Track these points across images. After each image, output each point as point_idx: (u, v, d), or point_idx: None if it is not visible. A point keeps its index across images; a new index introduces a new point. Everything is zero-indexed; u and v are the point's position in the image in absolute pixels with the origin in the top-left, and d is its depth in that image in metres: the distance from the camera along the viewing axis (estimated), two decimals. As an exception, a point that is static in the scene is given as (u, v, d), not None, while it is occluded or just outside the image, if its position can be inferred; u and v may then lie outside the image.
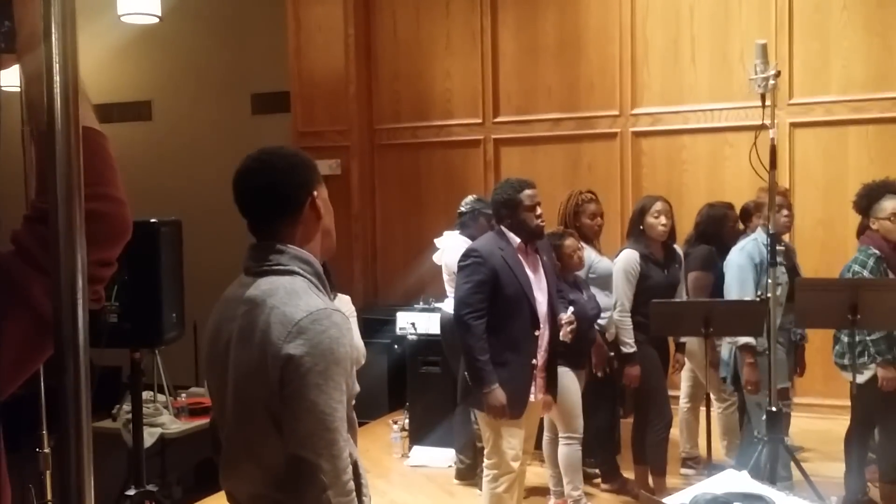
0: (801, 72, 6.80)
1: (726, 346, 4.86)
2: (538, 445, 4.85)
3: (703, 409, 5.38)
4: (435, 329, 6.03)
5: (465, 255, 4.00)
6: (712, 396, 5.30)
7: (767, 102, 4.15)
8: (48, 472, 3.71)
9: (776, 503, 2.49)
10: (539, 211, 3.97)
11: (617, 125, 7.37)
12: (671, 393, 6.26)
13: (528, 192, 3.96)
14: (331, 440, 1.83)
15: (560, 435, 4.67)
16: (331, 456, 1.83)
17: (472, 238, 5.08)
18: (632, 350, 4.75)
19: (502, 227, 4.01)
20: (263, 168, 1.99)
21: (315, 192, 2.01)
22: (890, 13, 6.58)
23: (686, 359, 5.37)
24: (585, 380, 4.77)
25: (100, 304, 1.27)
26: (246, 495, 2.00)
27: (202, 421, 5.51)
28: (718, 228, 5.30)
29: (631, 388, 4.89)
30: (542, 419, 4.58)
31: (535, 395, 4.00)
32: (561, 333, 4.16)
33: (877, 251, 4.44)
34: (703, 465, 5.16)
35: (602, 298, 4.82)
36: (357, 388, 2.01)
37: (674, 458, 5.37)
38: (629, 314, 4.76)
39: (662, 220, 4.82)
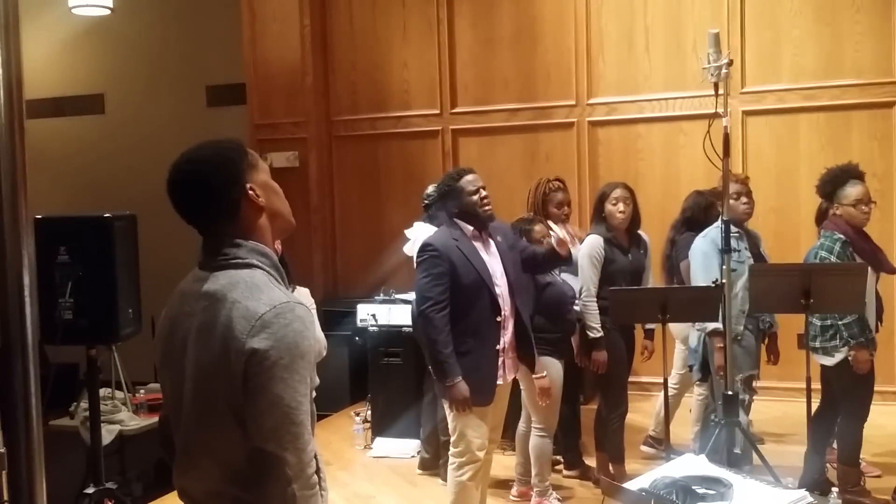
0: (752, 60, 6.90)
1: (694, 334, 4.89)
2: (506, 435, 4.86)
3: (688, 396, 5.46)
4: (396, 320, 6.04)
5: (421, 250, 4.00)
6: (694, 382, 5.36)
7: (720, 91, 4.21)
8: (3, 473, 3.65)
9: (734, 485, 2.54)
10: (484, 194, 3.97)
11: (573, 115, 7.41)
12: (642, 379, 6.35)
13: (467, 177, 3.97)
14: (296, 433, 1.82)
15: (534, 426, 4.69)
16: (296, 449, 1.82)
17: (442, 227, 5.09)
18: (598, 335, 4.78)
19: (454, 219, 4.02)
20: (188, 179, 1.95)
21: (248, 185, 1.97)
22: (839, 2, 6.69)
23: (679, 343, 5.40)
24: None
25: None
26: (202, 492, 1.97)
27: (161, 417, 5.45)
28: (704, 216, 5.24)
29: (597, 373, 4.88)
30: (514, 409, 4.58)
31: (504, 378, 4.02)
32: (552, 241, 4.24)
33: (842, 236, 4.48)
34: (664, 447, 5.22)
35: (575, 284, 4.87)
36: (317, 380, 2.01)
37: (634, 443, 5.43)
38: (595, 299, 4.79)
39: (620, 206, 4.85)
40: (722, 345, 4.55)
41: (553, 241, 4.33)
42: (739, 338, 4.60)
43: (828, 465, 4.79)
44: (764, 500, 2.50)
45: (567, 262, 4.49)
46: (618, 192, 4.88)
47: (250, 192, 1.97)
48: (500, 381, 3.98)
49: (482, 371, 3.89)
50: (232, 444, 1.86)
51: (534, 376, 4.24)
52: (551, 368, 4.45)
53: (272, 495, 1.82)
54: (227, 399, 1.85)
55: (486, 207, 3.96)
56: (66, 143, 9.16)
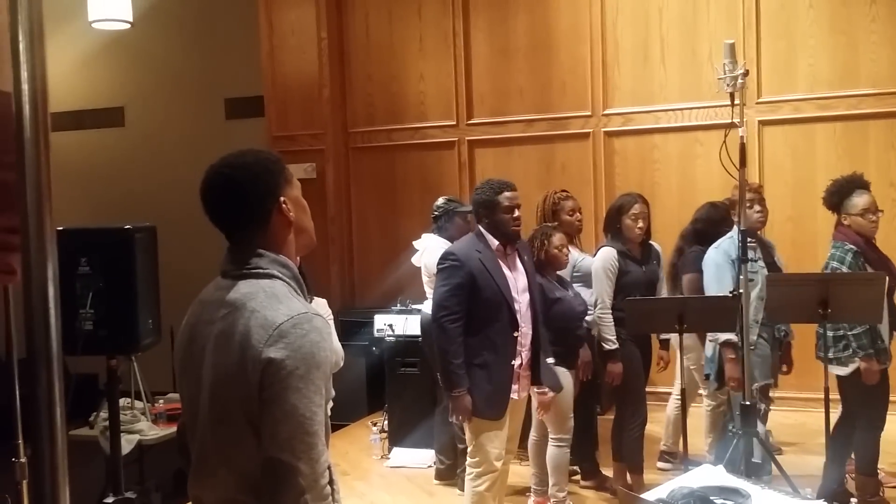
0: (768, 70, 6.88)
1: (710, 344, 4.87)
2: (522, 445, 4.87)
3: (694, 406, 5.44)
4: (412, 330, 6.05)
5: (443, 258, 4.01)
6: (703, 393, 5.34)
7: (736, 101, 4.21)
8: (25, 483, 3.68)
9: (752, 496, 2.53)
10: (517, 213, 3.99)
11: (589, 125, 7.42)
12: (659, 389, 6.32)
13: (507, 193, 3.98)
14: (310, 443, 1.84)
15: (551, 436, 4.69)
16: (310, 459, 1.83)
17: (451, 239, 5.10)
18: (613, 347, 4.77)
19: (481, 229, 4.03)
20: (225, 183, 1.98)
21: (282, 198, 2.00)
22: (855, 11, 6.67)
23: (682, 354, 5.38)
24: (574, 379, 4.80)
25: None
26: (216, 501, 1.99)
27: (180, 427, 5.48)
28: (716, 229, 5.12)
29: (612, 385, 4.88)
30: (527, 419, 4.59)
31: (518, 393, 4.02)
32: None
33: (853, 246, 4.47)
34: (679, 459, 5.20)
35: (587, 296, 4.87)
36: (332, 392, 2.02)
37: (652, 454, 5.42)
38: (610, 311, 4.78)
39: (640, 223, 4.84)
40: (734, 356, 4.54)
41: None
42: (753, 347, 4.58)
43: (847, 476, 4.75)
44: (781, 510, 2.49)
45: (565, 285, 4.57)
46: (637, 208, 4.85)
47: (283, 205, 2.00)
48: (515, 396, 3.99)
49: (496, 385, 3.89)
50: (247, 453, 1.88)
51: (536, 390, 4.24)
52: (561, 378, 4.45)
53: None
54: (243, 408, 1.86)
55: (516, 227, 3.99)
56: (86, 155, 9.25)
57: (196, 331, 2.01)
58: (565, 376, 4.54)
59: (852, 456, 4.76)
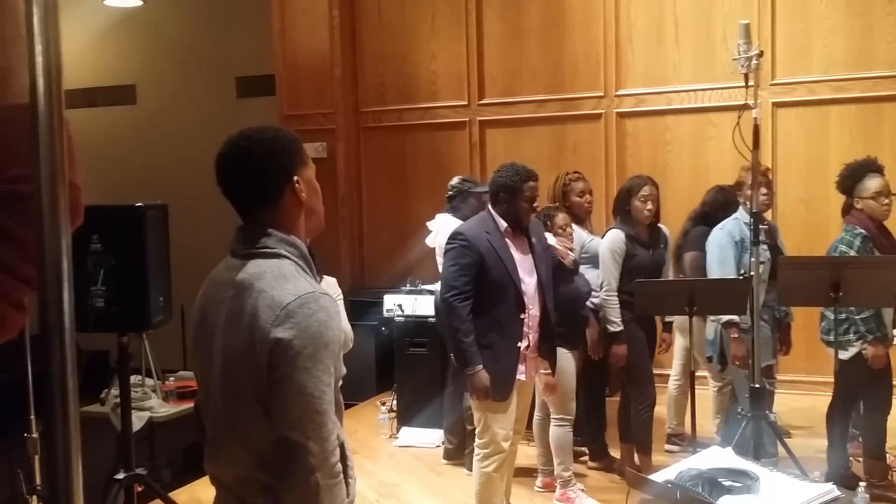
0: (783, 52, 6.83)
1: (711, 326, 4.90)
2: (529, 426, 4.89)
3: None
4: (421, 311, 6.06)
5: (452, 238, 4.01)
6: (708, 375, 5.35)
7: (750, 82, 4.18)
8: (37, 458, 3.71)
9: (760, 478, 2.54)
10: (536, 204, 4.01)
11: (601, 106, 7.38)
12: (660, 372, 6.33)
13: (531, 183, 3.98)
14: (319, 422, 1.85)
15: (552, 416, 4.71)
16: (319, 438, 1.84)
17: (465, 219, 5.10)
18: (618, 329, 4.78)
19: (491, 210, 4.02)
20: (241, 155, 1.98)
21: (295, 178, 2.00)
22: (872, -8, 6.61)
23: (679, 336, 5.40)
24: (579, 360, 4.81)
25: (24, 320, 1.21)
26: (232, 478, 2.01)
27: (190, 404, 5.48)
28: (723, 213, 5.13)
29: (617, 366, 4.92)
30: (533, 399, 4.62)
31: (526, 374, 4.03)
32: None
33: (863, 230, 4.46)
34: (687, 441, 5.22)
35: (594, 277, 4.87)
36: (344, 370, 2.03)
37: (659, 436, 5.42)
38: (615, 293, 4.79)
39: (649, 205, 4.83)
40: (737, 335, 4.57)
41: (559, 254, 4.38)
42: (752, 328, 4.60)
43: (853, 459, 4.76)
44: (791, 493, 2.49)
45: (573, 272, 4.56)
46: (647, 190, 4.84)
47: (296, 185, 2.00)
48: (522, 377, 3.99)
49: (501, 366, 3.90)
50: (259, 431, 1.89)
51: (542, 371, 4.25)
52: (563, 360, 4.44)
53: (296, 483, 1.84)
54: (254, 387, 1.87)
55: (529, 217, 4.00)
56: (98, 133, 9.26)
57: (207, 310, 2.03)
58: (567, 358, 4.54)
59: (859, 440, 4.77)
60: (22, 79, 1.03)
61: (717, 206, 5.25)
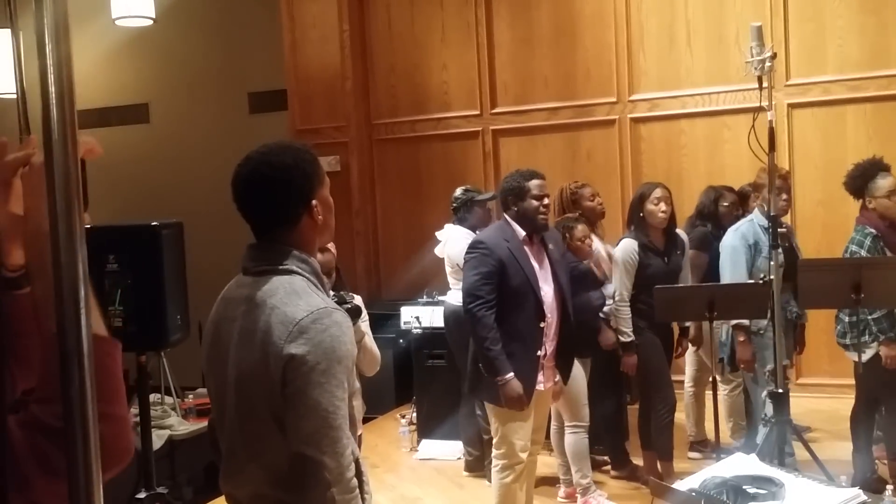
0: (797, 52, 6.79)
1: (723, 327, 4.89)
2: (549, 436, 4.85)
3: (708, 392, 5.43)
4: (439, 322, 6.04)
5: (472, 247, 3.99)
6: (718, 378, 5.31)
7: (764, 84, 4.16)
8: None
9: (786, 485, 2.50)
10: (546, 202, 3.96)
11: (615, 112, 7.36)
12: (677, 378, 6.29)
13: (536, 181, 3.95)
14: (334, 438, 1.84)
15: (566, 424, 4.68)
16: (334, 453, 1.84)
17: (473, 229, 5.09)
18: (629, 339, 4.76)
19: (507, 218, 4.00)
20: (261, 182, 1.98)
21: (314, 202, 2.00)
22: (884, -10, 6.56)
23: (690, 342, 5.37)
24: (591, 368, 4.79)
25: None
26: (248, 496, 2.00)
27: (209, 421, 5.52)
28: (713, 209, 5.39)
29: (631, 375, 4.90)
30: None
31: (544, 384, 4.00)
32: None
33: (873, 230, 4.44)
34: (710, 448, 5.18)
35: (608, 286, 4.84)
36: (357, 385, 2.02)
37: (682, 443, 5.38)
38: (627, 304, 4.76)
39: (662, 206, 4.80)
40: (744, 338, 4.59)
41: (591, 262, 4.37)
42: (762, 332, 4.57)
43: (878, 462, 4.72)
44: (817, 498, 2.46)
45: (601, 283, 4.57)
46: (658, 192, 4.82)
47: (314, 209, 1.99)
48: (540, 387, 3.96)
49: (522, 374, 3.86)
50: (274, 448, 1.88)
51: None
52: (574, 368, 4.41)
53: (313, 499, 1.84)
54: (268, 404, 1.87)
55: (544, 216, 3.95)
56: (111, 152, 9.24)
57: (220, 328, 2.02)
58: (576, 364, 4.51)
59: (881, 443, 4.73)
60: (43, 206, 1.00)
61: (708, 202, 5.46)
